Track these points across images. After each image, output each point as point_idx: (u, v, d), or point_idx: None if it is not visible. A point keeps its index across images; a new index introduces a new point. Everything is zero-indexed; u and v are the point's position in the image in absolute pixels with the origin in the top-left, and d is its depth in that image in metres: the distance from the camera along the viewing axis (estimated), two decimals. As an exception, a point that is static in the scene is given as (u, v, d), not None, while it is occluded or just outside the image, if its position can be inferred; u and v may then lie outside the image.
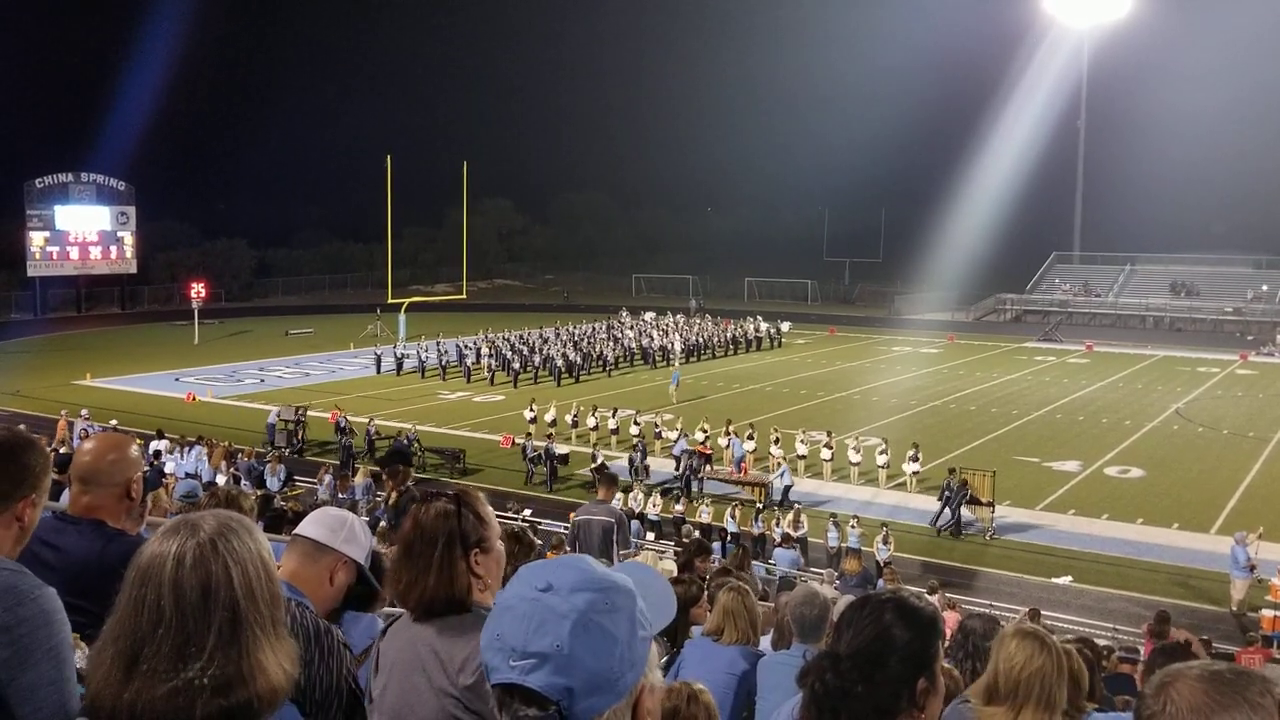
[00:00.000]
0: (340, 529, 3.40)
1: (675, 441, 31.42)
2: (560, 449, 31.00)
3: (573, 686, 1.58)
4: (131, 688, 1.77)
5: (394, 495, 9.21)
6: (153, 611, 1.80)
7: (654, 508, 26.57)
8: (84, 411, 33.32)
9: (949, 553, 25.11)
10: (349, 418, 33.50)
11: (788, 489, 28.47)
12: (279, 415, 35.03)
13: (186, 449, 28.06)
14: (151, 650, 1.78)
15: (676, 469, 30.53)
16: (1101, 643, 13.36)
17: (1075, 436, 37.17)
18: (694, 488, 29.28)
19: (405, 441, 31.58)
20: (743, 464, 30.16)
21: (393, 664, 2.87)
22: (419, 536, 2.93)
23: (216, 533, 1.87)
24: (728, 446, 31.09)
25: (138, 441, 3.99)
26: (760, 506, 26.77)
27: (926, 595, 16.65)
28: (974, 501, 26.48)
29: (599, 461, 29.29)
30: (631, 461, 30.11)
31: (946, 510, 26.47)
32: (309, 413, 36.03)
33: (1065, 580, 23.13)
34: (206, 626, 1.78)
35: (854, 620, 2.42)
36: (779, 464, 29.40)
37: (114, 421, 31.86)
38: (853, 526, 24.40)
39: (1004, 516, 27.29)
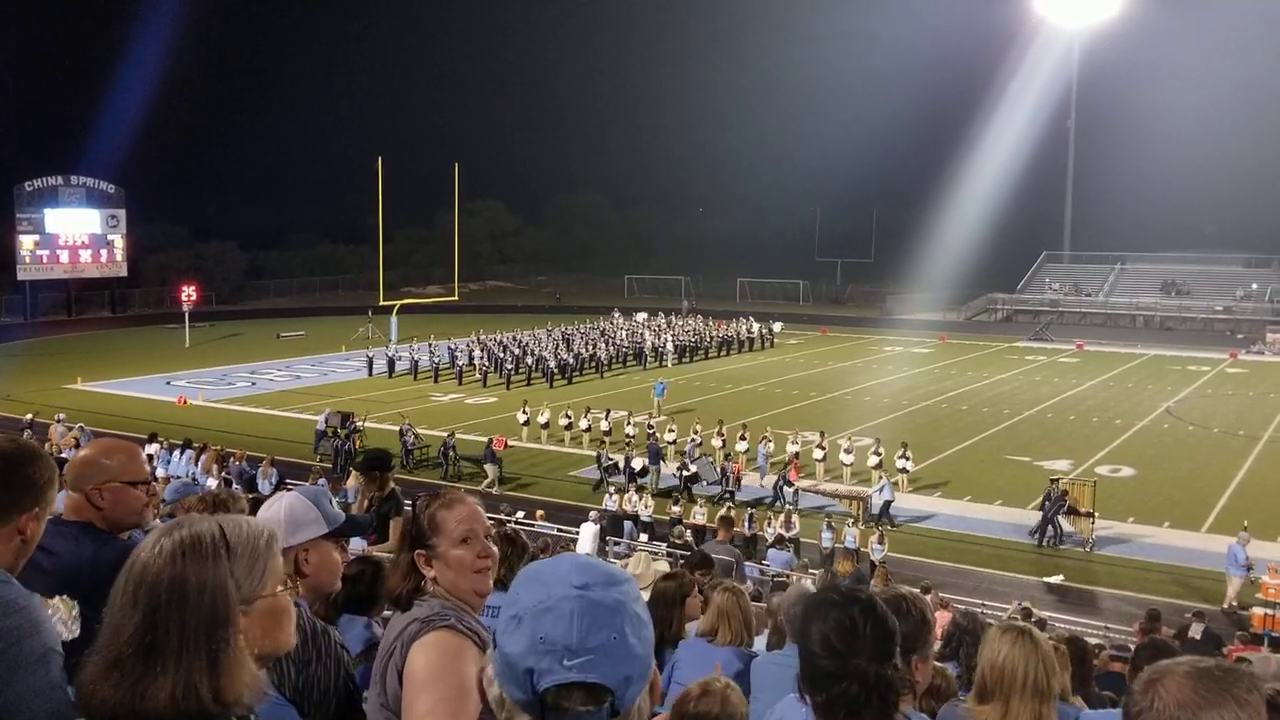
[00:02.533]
0: (279, 525, 3.30)
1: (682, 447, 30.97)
2: (638, 461, 30.06)
3: (630, 675, 1.63)
4: (102, 675, 1.79)
5: (374, 500, 9.15)
6: (126, 602, 1.84)
7: (646, 509, 26.57)
8: (60, 415, 33.18)
9: (940, 552, 25.14)
10: (411, 425, 33.07)
11: (888, 504, 27.14)
12: (326, 421, 34.32)
13: (181, 452, 28.01)
14: (119, 638, 1.81)
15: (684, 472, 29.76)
16: (1093, 641, 13.40)
17: (1066, 435, 37.24)
18: (786, 500, 27.96)
19: (446, 447, 31.36)
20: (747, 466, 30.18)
21: (376, 667, 2.92)
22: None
23: (178, 542, 1.87)
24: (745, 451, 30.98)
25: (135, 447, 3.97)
26: (855, 519, 26.22)
27: (920, 594, 16.69)
28: (1073, 512, 25.72)
29: (691, 470, 29.00)
30: (724, 471, 29.34)
31: (1065, 522, 25.78)
32: (365, 422, 34.46)
33: (1057, 579, 23.19)
34: (129, 624, 1.80)
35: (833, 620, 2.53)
36: (880, 478, 28.30)
37: (80, 424, 31.73)
38: (850, 525, 24.57)
39: (1000, 517, 27.43)
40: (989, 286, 78.70)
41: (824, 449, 31.17)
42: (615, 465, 30.15)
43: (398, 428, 33.16)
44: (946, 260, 73.54)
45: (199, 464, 26.51)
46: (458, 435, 32.70)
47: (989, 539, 25.96)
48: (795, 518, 25.12)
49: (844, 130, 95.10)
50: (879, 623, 2.54)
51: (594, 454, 31.31)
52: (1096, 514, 25.86)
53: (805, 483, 29.28)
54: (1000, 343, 65.33)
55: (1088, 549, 25.15)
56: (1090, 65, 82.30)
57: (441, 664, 2.63)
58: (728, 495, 28.46)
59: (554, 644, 1.62)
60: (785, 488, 28.25)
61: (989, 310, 77.46)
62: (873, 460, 30.35)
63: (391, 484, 9.26)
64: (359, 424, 33.64)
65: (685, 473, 29.18)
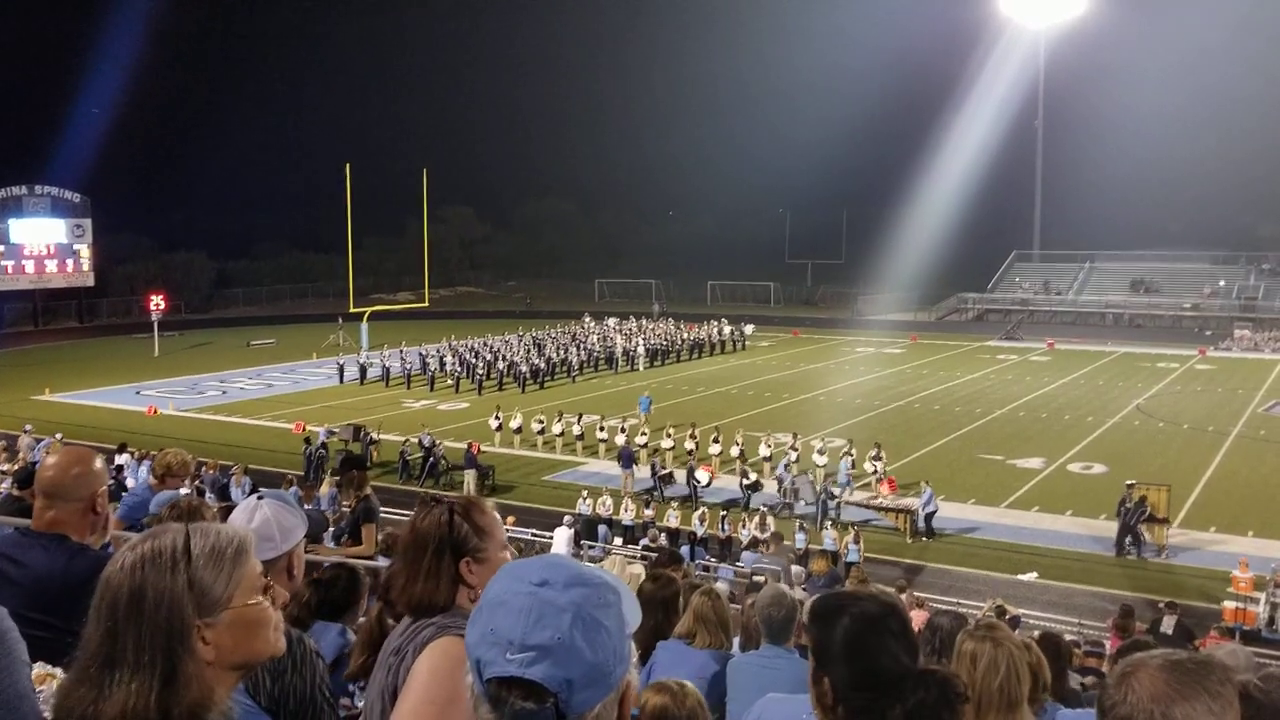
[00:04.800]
0: (274, 536, 3.29)
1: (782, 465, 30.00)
2: (702, 474, 29.16)
3: (572, 678, 1.59)
4: (71, 689, 1.78)
5: (353, 502, 9.13)
6: (93, 614, 1.83)
7: (626, 513, 26.54)
8: (27, 426, 32.84)
9: (920, 552, 25.22)
10: (432, 435, 32.63)
11: (931, 515, 26.19)
12: (337, 434, 33.41)
13: (149, 462, 27.77)
14: (87, 650, 1.80)
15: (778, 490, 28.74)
16: (1067, 637, 13.47)
17: (1038, 434, 37.46)
18: (830, 512, 26.89)
19: (435, 456, 31.03)
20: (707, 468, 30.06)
21: (379, 663, 2.90)
22: (414, 542, 2.94)
23: (141, 554, 1.86)
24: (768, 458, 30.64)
25: (99, 455, 3.92)
26: (912, 533, 25.81)
27: (894, 593, 16.74)
28: (1153, 519, 24.78)
29: (752, 479, 28.44)
30: (780, 481, 28.60)
31: (1143, 529, 24.83)
32: (379, 433, 34.16)
33: (1030, 576, 23.27)
34: (94, 636, 1.79)
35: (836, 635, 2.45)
36: (924, 487, 26.78)
37: (59, 434, 31.47)
38: (828, 528, 24.64)
39: (973, 516, 27.52)
40: (959, 286, 79.14)
41: (797, 450, 31.19)
42: (670, 475, 29.76)
43: (418, 438, 32.56)
44: (917, 260, 73.92)
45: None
46: (409, 439, 32.69)
47: (1169, 561, 24.56)
48: (770, 519, 25.12)
49: (812, 131, 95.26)
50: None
51: (650, 465, 30.57)
52: (1170, 520, 25.07)
53: (854, 494, 28.28)
54: (971, 342, 65.67)
55: (1163, 557, 24.47)
56: (1056, 65, 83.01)
57: (443, 669, 2.62)
58: (785, 508, 27.66)
59: (501, 637, 1.62)
60: (828, 500, 27.20)
61: (960, 310, 77.88)
62: (845, 461, 30.39)
63: (368, 488, 9.23)
64: (374, 435, 33.37)
65: (746, 481, 28.55)
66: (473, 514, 2.96)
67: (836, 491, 27.90)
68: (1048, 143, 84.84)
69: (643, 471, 31.10)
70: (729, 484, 29.66)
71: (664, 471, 29.86)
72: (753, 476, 28.80)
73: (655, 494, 28.70)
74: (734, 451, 31.24)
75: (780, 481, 28.58)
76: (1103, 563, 24.26)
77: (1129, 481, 26.08)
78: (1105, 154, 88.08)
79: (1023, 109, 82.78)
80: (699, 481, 28.88)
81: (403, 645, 2.79)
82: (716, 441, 32.05)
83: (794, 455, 30.80)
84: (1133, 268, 76.44)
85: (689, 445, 31.91)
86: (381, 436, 34.01)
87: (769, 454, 31.70)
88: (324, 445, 32.30)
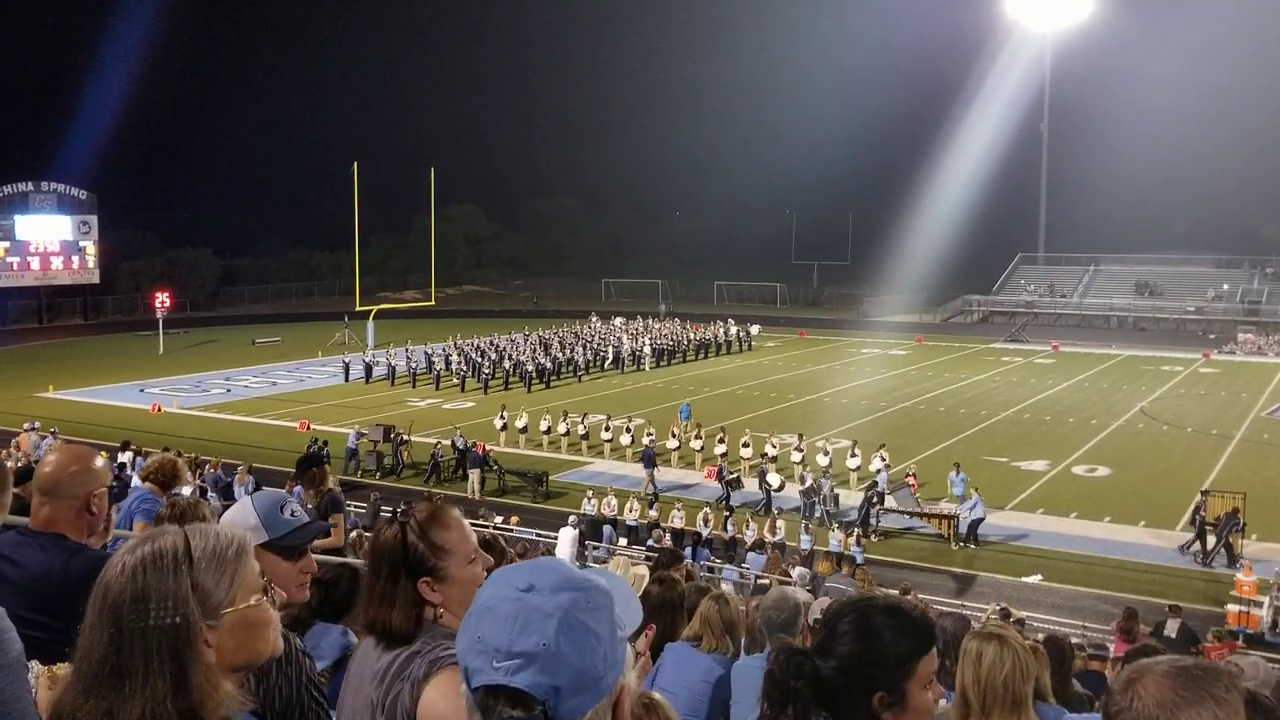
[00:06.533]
0: None
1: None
2: (774, 478, 28.67)
3: (559, 685, 1.56)
4: (79, 699, 1.75)
5: (318, 499, 9.16)
6: (94, 621, 1.79)
7: (631, 513, 26.51)
8: (34, 423, 32.86)
9: (921, 554, 25.19)
10: (462, 434, 32.49)
11: (977, 523, 25.65)
12: (366, 436, 33.43)
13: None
14: (91, 659, 1.76)
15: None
16: (1073, 640, 13.43)
17: (1043, 436, 37.42)
18: (871, 520, 26.42)
19: (481, 454, 30.89)
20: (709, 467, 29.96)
21: (347, 682, 2.82)
22: (371, 563, 2.81)
23: (140, 557, 1.83)
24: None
25: (103, 454, 3.89)
26: (951, 541, 25.39)
27: (899, 595, 16.68)
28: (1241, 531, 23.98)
29: (808, 484, 27.82)
30: (817, 490, 27.79)
31: (1212, 540, 24.24)
32: (410, 434, 33.95)
33: (1035, 579, 23.24)
34: (99, 644, 1.75)
35: (836, 623, 2.38)
36: (971, 494, 26.16)
37: (54, 428, 31.49)
38: (835, 529, 24.60)
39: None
40: (964, 288, 79.10)
41: (802, 451, 31.11)
42: (738, 479, 29.31)
43: (450, 440, 32.42)
44: (922, 262, 73.91)
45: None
46: (440, 442, 32.63)
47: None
48: (780, 522, 25.04)
49: (819, 133, 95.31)
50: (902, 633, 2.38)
51: (717, 470, 29.94)
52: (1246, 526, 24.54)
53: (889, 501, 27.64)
54: (976, 344, 65.63)
55: (1240, 566, 23.48)
56: (1062, 68, 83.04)
57: (462, 708, 2.52)
58: (826, 516, 27.10)
59: (487, 644, 1.59)
60: (870, 507, 26.61)
61: (965, 312, 77.84)
62: (851, 462, 30.33)
63: (329, 482, 9.30)
64: (405, 435, 33.43)
65: (801, 485, 27.91)
66: (430, 530, 2.77)
67: (876, 499, 27.26)
68: (1053, 146, 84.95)
69: (671, 473, 31.17)
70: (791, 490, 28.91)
71: (731, 476, 29.17)
72: (809, 480, 28.17)
73: (722, 500, 28.05)
74: (822, 461, 30.51)
75: (819, 489, 27.93)
76: (1105, 565, 24.21)
77: (1204, 490, 25.56)
78: (1110, 157, 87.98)
79: (1028, 112, 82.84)
80: (770, 486, 28.47)
81: (385, 674, 2.63)
82: (722, 442, 31.95)
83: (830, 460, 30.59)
84: (1137, 271, 76.40)
85: (769, 450, 31.60)
86: (412, 437, 33.92)
87: (774, 454, 31.62)
88: (397, 447, 32.72)
